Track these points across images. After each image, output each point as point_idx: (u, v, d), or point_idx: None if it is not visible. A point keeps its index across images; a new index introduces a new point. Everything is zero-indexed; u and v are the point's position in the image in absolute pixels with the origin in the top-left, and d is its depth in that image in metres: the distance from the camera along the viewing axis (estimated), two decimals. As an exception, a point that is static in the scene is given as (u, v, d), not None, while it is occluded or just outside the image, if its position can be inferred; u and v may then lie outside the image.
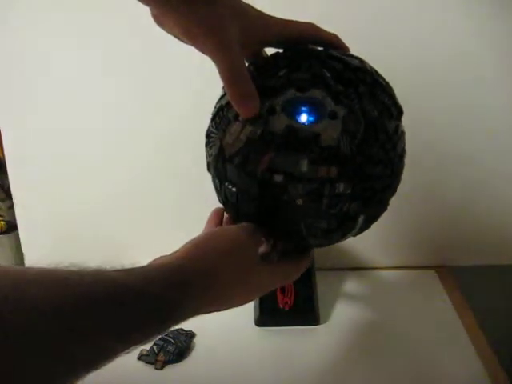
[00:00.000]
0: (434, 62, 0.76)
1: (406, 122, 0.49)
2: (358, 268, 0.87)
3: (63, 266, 0.33)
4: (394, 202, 0.50)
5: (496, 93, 0.77)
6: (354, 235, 0.50)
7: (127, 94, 0.79)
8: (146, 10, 0.43)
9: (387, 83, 0.48)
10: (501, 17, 0.73)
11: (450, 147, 0.80)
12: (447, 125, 0.79)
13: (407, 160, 0.49)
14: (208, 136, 0.49)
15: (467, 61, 0.76)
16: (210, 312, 0.42)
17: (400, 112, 0.48)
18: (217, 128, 0.47)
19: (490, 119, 0.78)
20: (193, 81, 0.77)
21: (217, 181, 0.48)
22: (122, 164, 0.83)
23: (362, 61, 0.47)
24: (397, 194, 0.50)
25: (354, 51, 0.49)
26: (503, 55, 0.75)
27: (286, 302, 0.76)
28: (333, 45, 0.48)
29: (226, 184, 0.46)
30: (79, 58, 0.77)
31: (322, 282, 0.80)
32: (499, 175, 0.81)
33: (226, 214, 0.52)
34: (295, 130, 0.42)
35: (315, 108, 0.43)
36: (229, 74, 0.42)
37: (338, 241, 0.49)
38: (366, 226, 0.49)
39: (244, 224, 0.46)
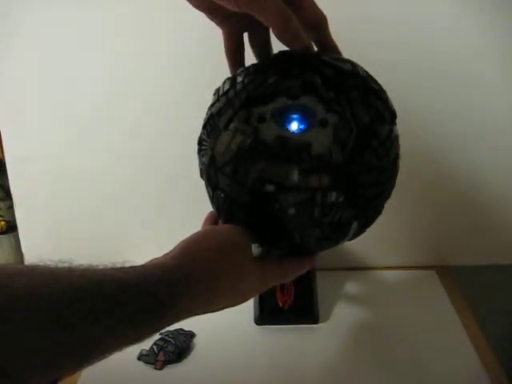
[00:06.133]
0: (430, 63, 0.75)
1: (403, 122, 0.48)
2: (358, 268, 0.87)
3: (52, 262, 0.33)
4: (393, 202, 0.50)
5: (495, 91, 0.76)
6: (349, 240, 0.50)
7: (127, 96, 0.79)
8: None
9: (380, 87, 0.47)
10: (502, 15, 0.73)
11: (450, 147, 0.80)
12: (446, 124, 0.78)
13: (407, 160, 0.49)
14: (200, 143, 0.49)
15: (466, 60, 0.75)
16: (206, 312, 0.41)
17: (393, 116, 0.47)
18: (208, 136, 0.46)
19: (490, 118, 0.78)
20: (187, 84, 0.77)
21: (209, 188, 0.48)
22: (122, 164, 0.83)
23: (354, 65, 0.46)
24: (396, 194, 0.49)
25: (347, 52, 0.48)
26: (504, 55, 0.75)
27: (286, 301, 0.76)
28: (327, 47, 0.47)
29: (219, 192, 0.46)
30: (80, 58, 0.77)
31: (322, 282, 0.80)
32: (499, 175, 0.81)
33: None
34: (285, 139, 0.41)
35: (305, 116, 0.42)
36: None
37: (332, 247, 0.49)
38: (360, 231, 0.49)
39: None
